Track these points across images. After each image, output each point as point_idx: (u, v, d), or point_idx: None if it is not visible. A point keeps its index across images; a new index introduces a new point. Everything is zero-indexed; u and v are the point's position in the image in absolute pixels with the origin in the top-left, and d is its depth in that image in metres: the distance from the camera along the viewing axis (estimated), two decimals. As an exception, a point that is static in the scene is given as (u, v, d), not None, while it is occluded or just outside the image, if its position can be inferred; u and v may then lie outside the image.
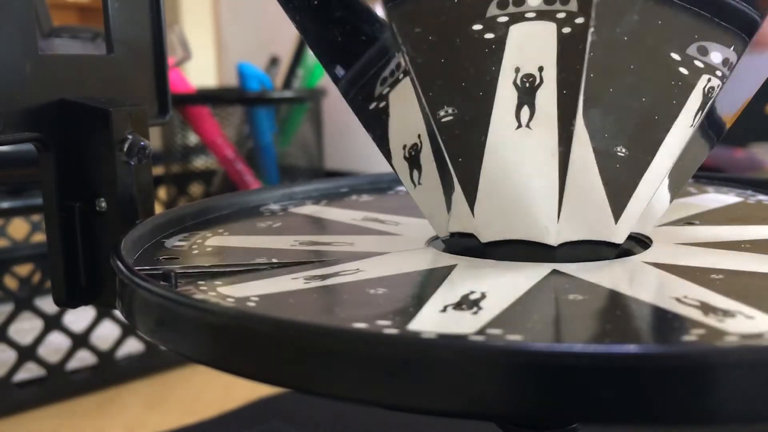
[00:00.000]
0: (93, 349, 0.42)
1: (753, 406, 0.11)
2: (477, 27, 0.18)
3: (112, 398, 0.41)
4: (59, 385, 0.41)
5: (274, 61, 0.74)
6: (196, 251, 0.22)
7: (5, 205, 0.43)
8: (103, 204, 0.24)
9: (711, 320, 0.14)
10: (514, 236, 0.19)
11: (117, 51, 0.26)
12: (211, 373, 0.43)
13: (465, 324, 0.15)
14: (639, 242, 0.22)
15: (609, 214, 0.19)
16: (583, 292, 0.17)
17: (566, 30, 0.18)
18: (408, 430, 0.34)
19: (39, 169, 0.24)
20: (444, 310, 0.16)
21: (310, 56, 0.69)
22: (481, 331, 0.14)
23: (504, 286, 0.17)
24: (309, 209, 0.29)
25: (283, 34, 0.79)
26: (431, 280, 0.19)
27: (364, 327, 0.15)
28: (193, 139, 0.70)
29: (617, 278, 0.18)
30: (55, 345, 0.42)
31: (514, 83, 0.18)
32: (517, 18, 0.18)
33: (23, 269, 0.48)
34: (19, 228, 0.65)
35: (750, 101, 0.21)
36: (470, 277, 0.18)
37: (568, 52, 0.18)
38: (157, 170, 0.68)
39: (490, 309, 0.16)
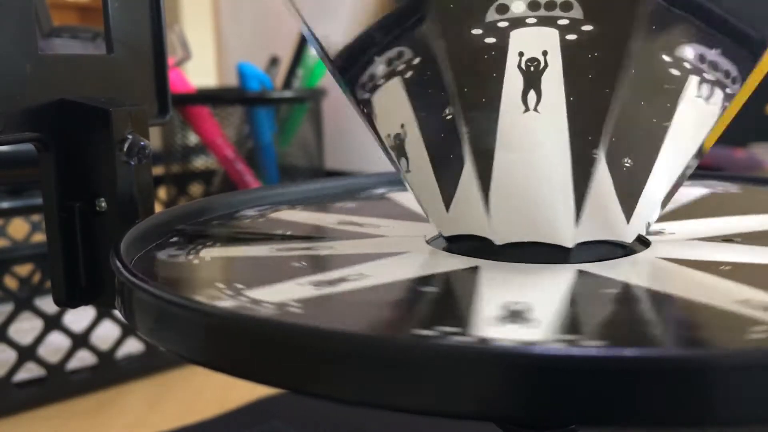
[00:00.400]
0: (93, 349, 0.42)
1: (751, 408, 0.12)
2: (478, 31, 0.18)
3: (112, 398, 0.41)
4: (59, 385, 0.41)
5: (274, 61, 0.74)
6: (248, 220, 0.25)
7: (5, 205, 0.44)
8: (103, 204, 0.24)
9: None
10: (466, 231, 0.20)
11: (117, 51, 0.26)
12: (210, 373, 0.43)
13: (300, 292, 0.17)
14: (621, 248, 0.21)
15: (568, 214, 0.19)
16: (436, 284, 0.18)
17: (571, 37, 0.18)
18: (408, 431, 0.34)
19: (39, 169, 0.24)
20: (317, 285, 0.18)
21: (310, 56, 0.69)
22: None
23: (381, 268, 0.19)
24: (404, 195, 0.30)
25: (283, 34, 0.79)
26: (358, 260, 0.20)
27: (362, 329, 0.15)
28: (193, 139, 0.70)
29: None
30: (55, 345, 0.42)
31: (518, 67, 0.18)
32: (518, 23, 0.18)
33: (23, 269, 0.48)
34: (19, 228, 0.65)
35: (750, 101, 0.21)
36: (389, 266, 0.20)
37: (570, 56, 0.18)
38: (157, 170, 0.68)
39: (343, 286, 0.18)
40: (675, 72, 0.19)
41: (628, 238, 0.20)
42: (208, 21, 1.19)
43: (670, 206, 0.24)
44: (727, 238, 0.22)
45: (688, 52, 0.18)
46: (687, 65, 0.19)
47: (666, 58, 0.18)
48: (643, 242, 0.22)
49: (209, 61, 1.17)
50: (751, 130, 0.62)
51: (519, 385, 0.12)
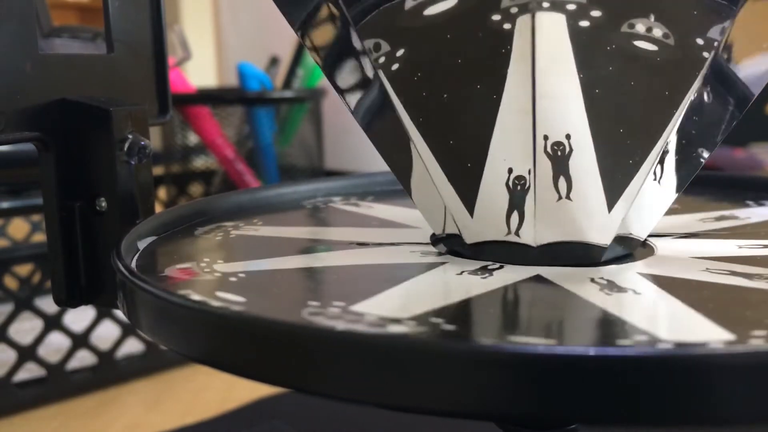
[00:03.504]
0: (93, 349, 0.42)
1: (752, 407, 0.12)
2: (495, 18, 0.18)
3: (112, 398, 0.41)
4: (59, 385, 0.41)
5: (274, 61, 0.74)
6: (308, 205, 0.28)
7: (5, 205, 0.43)
8: (103, 204, 0.24)
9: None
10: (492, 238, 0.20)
11: (117, 51, 0.26)
12: (211, 373, 0.43)
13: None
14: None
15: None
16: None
17: (583, 22, 0.18)
18: (408, 430, 0.34)
19: (39, 169, 0.24)
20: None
21: (310, 56, 0.68)
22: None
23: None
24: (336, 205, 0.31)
25: (283, 34, 0.79)
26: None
27: (364, 327, 0.15)
28: (193, 139, 0.70)
29: None
30: (55, 345, 0.42)
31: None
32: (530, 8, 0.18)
33: (23, 269, 0.48)
34: (19, 228, 0.65)
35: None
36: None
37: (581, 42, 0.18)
38: (157, 170, 0.68)
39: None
40: (705, 54, 0.18)
41: (604, 241, 0.20)
42: (208, 21, 1.19)
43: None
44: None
45: (723, 31, 0.18)
46: (717, 44, 0.18)
47: (699, 41, 0.18)
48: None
49: (209, 61, 1.18)
50: (751, 130, 0.62)
51: (520, 384, 0.12)
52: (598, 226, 0.19)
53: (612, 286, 0.18)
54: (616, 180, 0.19)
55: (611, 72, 0.18)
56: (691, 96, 0.19)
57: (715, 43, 0.18)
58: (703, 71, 0.19)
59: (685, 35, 0.18)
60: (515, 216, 0.19)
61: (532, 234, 0.19)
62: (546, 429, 0.19)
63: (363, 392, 0.13)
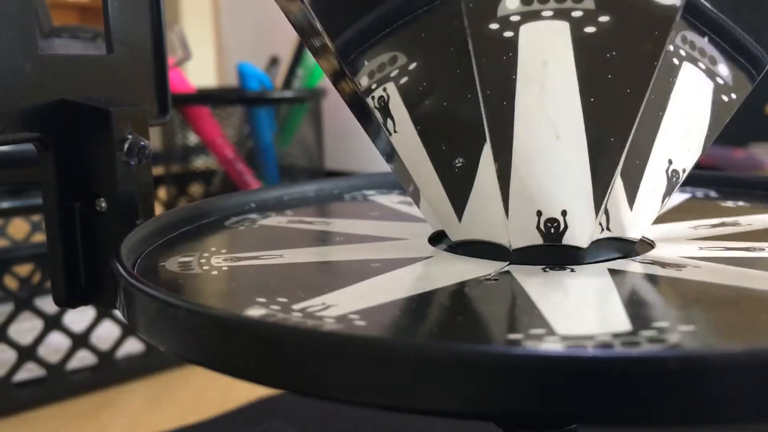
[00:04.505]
0: (93, 349, 0.42)
1: (751, 406, 0.12)
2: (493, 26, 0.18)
3: (112, 398, 0.42)
4: (59, 385, 0.41)
5: (274, 61, 0.74)
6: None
7: (5, 205, 0.43)
8: (103, 204, 0.24)
9: None
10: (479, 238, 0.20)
11: (117, 51, 0.26)
12: (211, 374, 0.43)
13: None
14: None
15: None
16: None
17: (587, 29, 0.18)
18: (408, 430, 0.34)
19: (39, 169, 0.24)
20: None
21: (311, 56, 0.68)
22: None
23: None
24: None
25: (283, 34, 0.79)
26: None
27: (361, 330, 0.15)
28: (193, 139, 0.70)
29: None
30: (55, 345, 0.42)
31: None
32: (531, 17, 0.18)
33: (23, 269, 0.48)
34: (19, 228, 0.65)
35: (750, 101, 0.21)
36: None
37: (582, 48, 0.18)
38: (157, 170, 0.68)
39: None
40: (675, 61, 0.18)
41: (637, 234, 0.20)
42: (208, 21, 1.19)
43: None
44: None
45: (683, 39, 0.18)
46: (682, 53, 0.19)
47: (669, 47, 0.18)
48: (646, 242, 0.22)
49: (209, 61, 1.18)
50: (751, 130, 0.62)
51: (520, 385, 0.12)
52: (632, 222, 0.20)
53: (690, 265, 0.19)
54: (632, 178, 0.19)
55: (608, 78, 0.18)
56: (676, 105, 0.19)
57: (682, 51, 0.18)
58: (681, 81, 0.19)
59: (635, 36, 0.18)
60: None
61: (583, 236, 0.19)
62: (546, 429, 0.19)
63: (362, 393, 0.13)
